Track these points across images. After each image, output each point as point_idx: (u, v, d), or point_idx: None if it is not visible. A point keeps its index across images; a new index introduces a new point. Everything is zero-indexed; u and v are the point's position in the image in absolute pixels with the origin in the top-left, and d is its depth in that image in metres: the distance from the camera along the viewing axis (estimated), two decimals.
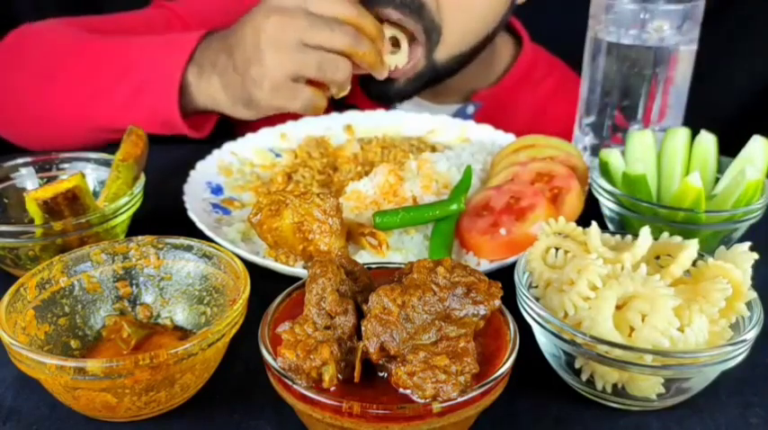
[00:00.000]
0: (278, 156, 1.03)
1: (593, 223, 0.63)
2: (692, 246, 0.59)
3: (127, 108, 0.99)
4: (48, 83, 1.03)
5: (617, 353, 0.52)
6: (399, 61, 0.99)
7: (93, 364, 0.49)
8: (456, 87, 1.24)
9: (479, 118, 1.22)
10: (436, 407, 0.46)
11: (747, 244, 0.59)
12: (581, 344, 0.53)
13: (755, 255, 0.57)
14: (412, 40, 1.02)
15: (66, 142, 1.02)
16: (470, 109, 1.27)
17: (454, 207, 0.78)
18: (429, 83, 1.13)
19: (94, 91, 1.00)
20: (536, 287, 0.62)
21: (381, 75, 0.95)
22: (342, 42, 0.87)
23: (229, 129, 1.12)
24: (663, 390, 0.56)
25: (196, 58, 0.96)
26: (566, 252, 0.63)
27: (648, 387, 0.55)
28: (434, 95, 1.26)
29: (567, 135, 0.97)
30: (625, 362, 0.52)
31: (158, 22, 1.18)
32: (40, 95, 1.03)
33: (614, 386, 0.57)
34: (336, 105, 1.19)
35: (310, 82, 0.90)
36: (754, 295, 0.56)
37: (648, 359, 0.51)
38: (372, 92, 1.16)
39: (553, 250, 0.63)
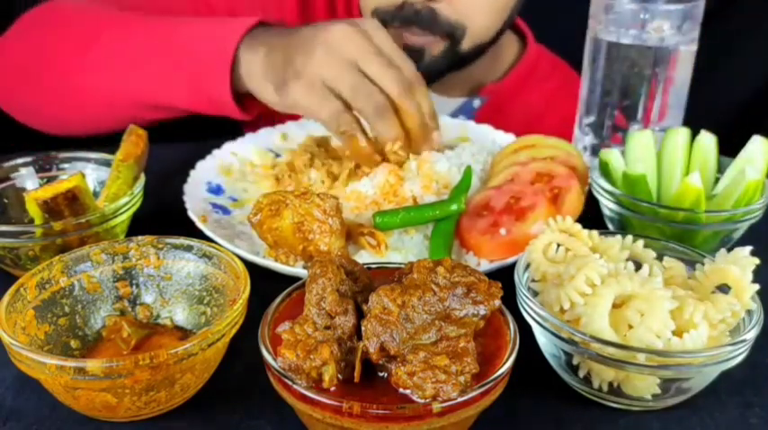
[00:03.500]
0: (278, 156, 1.03)
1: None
2: None
3: (171, 81, 0.96)
4: (85, 52, 1.00)
5: (610, 351, 0.52)
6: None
7: (93, 364, 0.49)
8: (463, 81, 1.28)
9: (485, 112, 1.25)
10: (436, 407, 0.46)
11: (749, 248, 0.58)
12: (578, 342, 0.53)
13: (757, 260, 0.57)
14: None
15: (103, 120, 1.02)
16: (476, 103, 1.29)
17: (454, 207, 0.78)
18: (455, 66, 1.18)
19: (135, 61, 0.98)
20: (536, 281, 0.62)
21: (421, 147, 0.92)
22: (390, 84, 0.86)
23: (230, 129, 1.12)
24: (659, 391, 0.56)
25: (252, 34, 0.92)
26: (566, 250, 0.63)
27: (644, 387, 0.55)
28: (442, 88, 1.28)
29: (568, 134, 0.98)
30: (620, 361, 0.52)
31: (187, 7, 1.16)
32: (81, 64, 1.01)
33: (611, 385, 0.57)
34: None
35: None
36: (755, 305, 0.56)
37: (641, 358, 0.51)
38: None
39: (554, 245, 0.63)
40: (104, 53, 0.99)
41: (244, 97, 0.95)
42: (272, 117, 1.07)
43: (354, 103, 0.86)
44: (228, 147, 1.01)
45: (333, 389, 0.48)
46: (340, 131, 0.87)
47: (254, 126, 1.09)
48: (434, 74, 1.19)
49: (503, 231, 0.75)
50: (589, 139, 0.97)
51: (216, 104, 0.95)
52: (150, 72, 0.97)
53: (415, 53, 1.11)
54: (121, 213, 0.73)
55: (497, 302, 0.52)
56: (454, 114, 1.30)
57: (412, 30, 1.09)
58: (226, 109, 0.95)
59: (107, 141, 0.95)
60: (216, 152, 0.99)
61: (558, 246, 0.63)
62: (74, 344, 0.60)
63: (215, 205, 0.89)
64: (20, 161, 0.81)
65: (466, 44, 1.13)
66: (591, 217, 0.79)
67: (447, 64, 1.17)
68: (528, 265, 0.62)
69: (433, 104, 0.92)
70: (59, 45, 1.03)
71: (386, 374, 0.49)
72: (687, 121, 0.92)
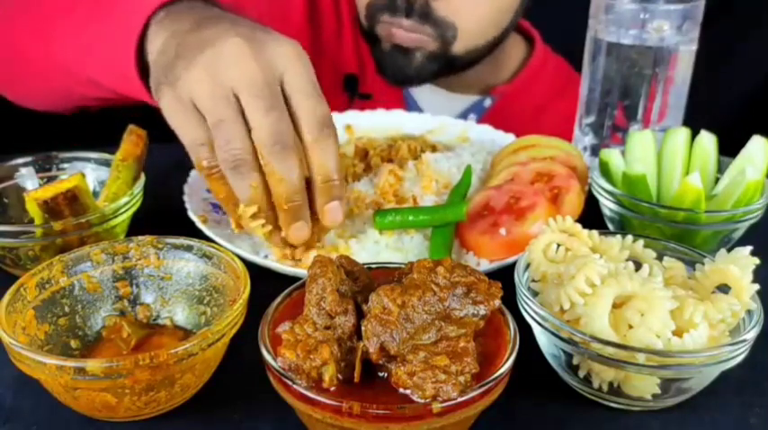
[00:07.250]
0: None
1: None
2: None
3: (90, 51, 0.87)
4: (36, 19, 0.96)
5: (610, 351, 0.52)
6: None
7: (93, 364, 0.49)
8: (471, 83, 1.30)
9: (495, 111, 1.27)
10: (436, 407, 0.46)
11: (749, 248, 0.58)
12: (578, 342, 0.53)
13: (756, 260, 0.57)
14: None
15: (60, 95, 0.99)
16: (487, 102, 1.32)
17: (456, 214, 0.77)
18: (446, 70, 1.19)
19: (70, 29, 0.90)
20: (536, 281, 0.62)
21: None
22: (261, 133, 0.65)
23: None
24: (659, 391, 0.56)
25: (170, 9, 0.78)
26: (566, 250, 0.63)
27: (644, 387, 0.55)
28: (455, 86, 1.31)
29: (568, 134, 0.98)
30: (620, 361, 0.52)
31: None
32: (38, 32, 0.95)
33: (611, 385, 0.57)
34: (351, 96, 1.22)
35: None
36: (755, 305, 0.56)
37: (641, 358, 0.51)
38: (389, 72, 1.18)
39: (554, 245, 0.63)
40: (50, 20, 0.92)
41: None
42: None
43: (214, 142, 0.67)
44: None
45: (333, 389, 0.48)
46: (200, 166, 0.69)
47: None
48: (424, 76, 1.19)
49: (503, 231, 0.75)
50: (589, 139, 0.97)
51: (126, 82, 0.81)
52: (80, 41, 0.88)
53: (404, 54, 1.12)
54: (121, 213, 0.73)
55: (497, 302, 0.52)
56: (465, 112, 1.32)
57: (401, 23, 1.10)
58: (134, 89, 0.81)
59: (107, 141, 0.95)
60: None
61: (558, 246, 0.63)
62: (74, 344, 0.60)
63: (215, 205, 0.89)
64: (20, 161, 0.81)
65: (458, 47, 1.13)
66: (591, 217, 0.79)
67: (438, 66, 1.17)
68: (528, 265, 0.62)
69: (335, 162, 0.69)
70: (24, 15, 0.98)
71: (386, 374, 0.49)
72: (687, 121, 0.92)
